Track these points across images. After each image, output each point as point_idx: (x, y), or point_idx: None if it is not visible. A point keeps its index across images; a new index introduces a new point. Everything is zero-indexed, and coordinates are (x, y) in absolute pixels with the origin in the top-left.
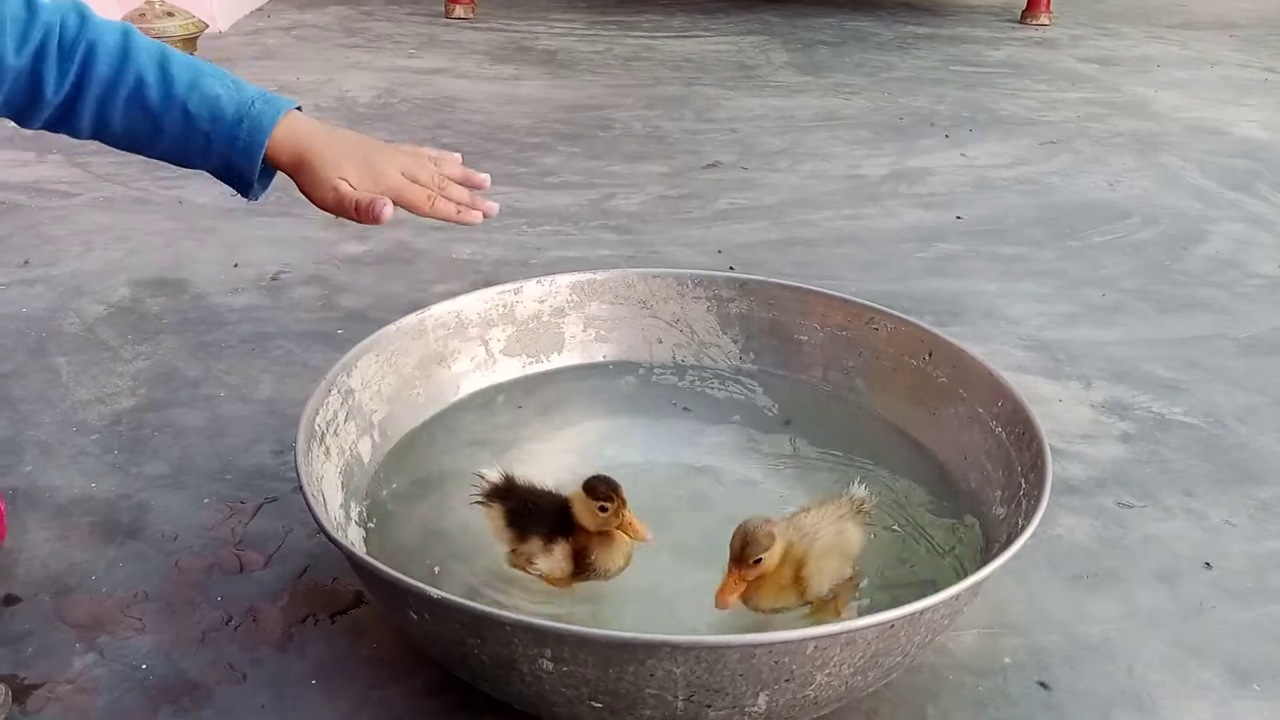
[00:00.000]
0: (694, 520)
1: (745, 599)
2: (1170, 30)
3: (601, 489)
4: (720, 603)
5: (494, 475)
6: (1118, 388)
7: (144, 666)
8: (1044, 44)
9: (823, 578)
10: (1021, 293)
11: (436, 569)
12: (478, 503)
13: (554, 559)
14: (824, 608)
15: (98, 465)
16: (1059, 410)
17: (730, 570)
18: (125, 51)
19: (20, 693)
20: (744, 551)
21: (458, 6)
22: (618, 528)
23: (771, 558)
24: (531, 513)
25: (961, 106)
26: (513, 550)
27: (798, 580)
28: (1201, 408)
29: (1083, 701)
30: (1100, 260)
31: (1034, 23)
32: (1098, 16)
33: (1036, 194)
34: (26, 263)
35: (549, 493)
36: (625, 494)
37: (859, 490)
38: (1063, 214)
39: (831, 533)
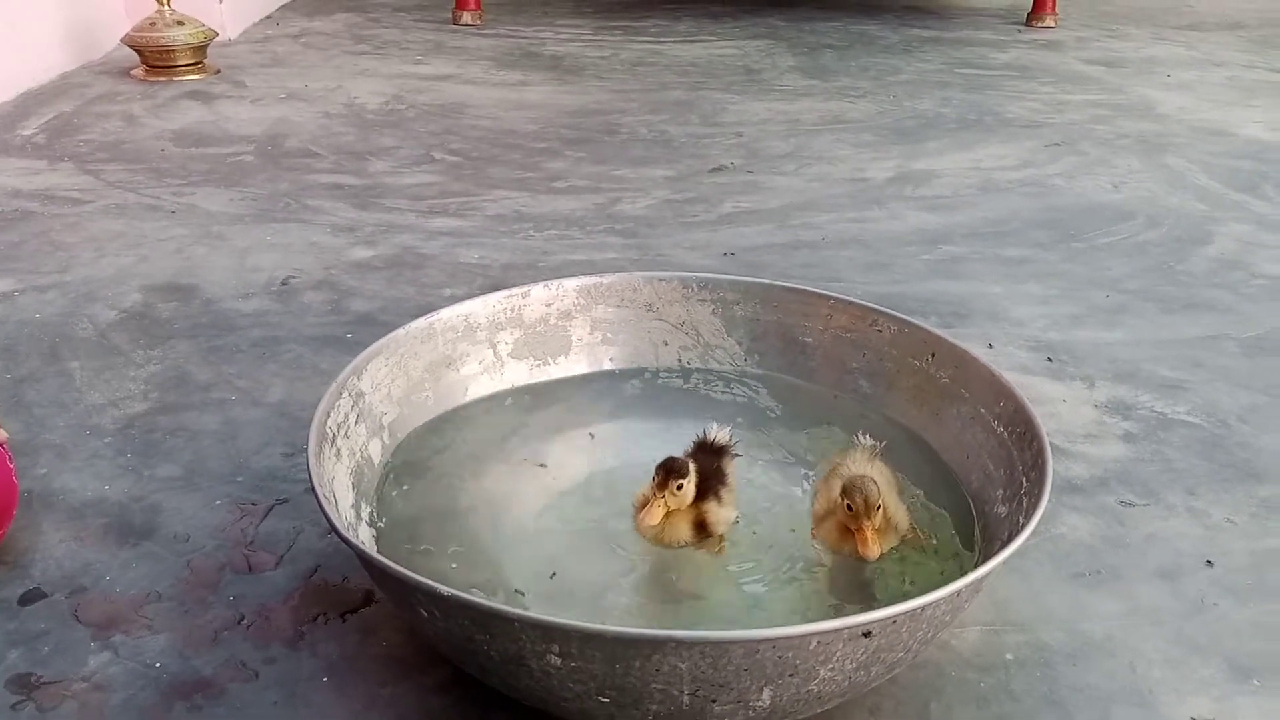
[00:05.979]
0: None
1: (861, 552)
2: (1177, 31)
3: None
4: (866, 554)
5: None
6: (1121, 388)
7: (158, 665)
8: (1049, 46)
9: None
10: (1026, 294)
11: (448, 567)
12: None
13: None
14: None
15: (111, 468)
16: (1063, 410)
17: (864, 525)
18: None
19: (36, 690)
20: (867, 504)
21: (464, 13)
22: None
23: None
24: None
25: (967, 109)
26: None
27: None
28: (1204, 407)
29: (1085, 698)
30: (1104, 262)
31: (1039, 25)
32: (1104, 18)
33: (1041, 196)
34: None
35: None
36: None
37: (866, 440)
38: (1067, 216)
39: (877, 472)
